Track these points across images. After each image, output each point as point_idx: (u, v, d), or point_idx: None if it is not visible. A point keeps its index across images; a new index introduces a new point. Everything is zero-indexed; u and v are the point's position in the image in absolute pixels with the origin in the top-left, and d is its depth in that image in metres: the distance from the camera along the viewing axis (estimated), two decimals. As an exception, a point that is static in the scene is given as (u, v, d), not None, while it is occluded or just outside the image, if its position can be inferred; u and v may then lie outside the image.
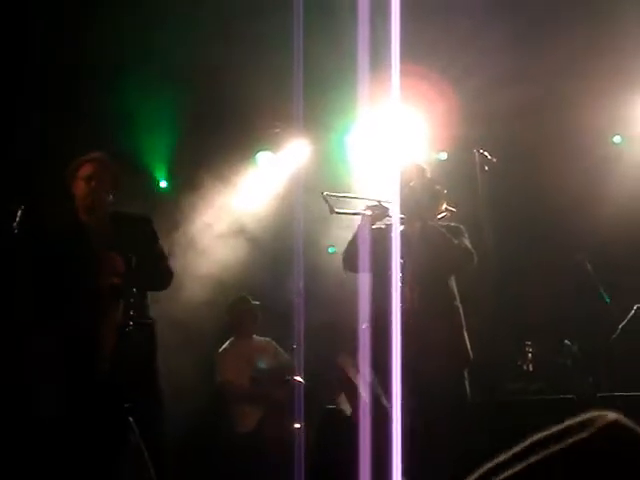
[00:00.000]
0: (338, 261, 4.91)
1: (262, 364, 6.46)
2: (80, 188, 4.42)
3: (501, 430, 4.63)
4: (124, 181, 4.61)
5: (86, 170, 4.44)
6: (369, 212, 4.55)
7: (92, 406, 4.07)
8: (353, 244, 4.60)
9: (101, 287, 4.18)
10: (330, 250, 7.30)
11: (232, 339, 6.57)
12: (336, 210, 4.59)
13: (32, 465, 4.15)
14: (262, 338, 6.64)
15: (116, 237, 4.37)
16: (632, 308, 6.13)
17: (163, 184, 7.70)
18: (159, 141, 7.27)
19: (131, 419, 3.96)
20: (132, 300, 4.15)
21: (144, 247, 4.38)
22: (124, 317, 4.12)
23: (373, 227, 4.53)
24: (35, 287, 4.28)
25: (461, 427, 4.28)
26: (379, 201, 4.57)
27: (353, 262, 4.53)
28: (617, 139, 7.24)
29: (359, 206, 4.71)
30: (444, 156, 7.23)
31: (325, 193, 4.59)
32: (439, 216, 4.71)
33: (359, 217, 4.65)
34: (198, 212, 7.15)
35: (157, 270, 4.46)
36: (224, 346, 6.54)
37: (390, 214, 4.45)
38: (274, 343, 6.61)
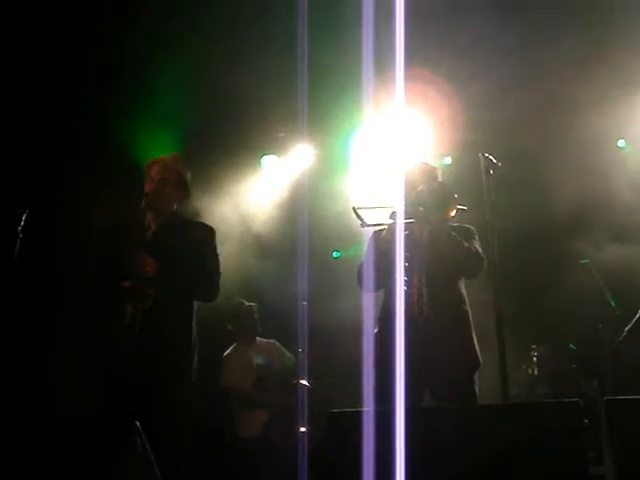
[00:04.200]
0: (344, 265, 4.87)
1: (265, 363, 6.44)
2: (146, 187, 4.46)
3: (507, 433, 4.61)
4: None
5: (154, 170, 4.49)
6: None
7: (100, 409, 4.08)
8: (363, 265, 4.53)
9: (119, 288, 4.18)
10: (335, 254, 7.28)
11: (235, 345, 6.54)
12: (367, 223, 4.47)
13: (40, 467, 4.15)
14: (266, 340, 6.62)
15: (174, 241, 4.35)
16: (638, 311, 6.11)
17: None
18: (163, 145, 7.27)
19: (137, 422, 3.96)
20: (153, 305, 4.13)
21: (200, 256, 4.36)
22: (139, 320, 4.11)
23: (383, 233, 4.47)
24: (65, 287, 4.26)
25: (469, 430, 4.25)
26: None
27: (366, 282, 4.46)
28: (621, 143, 7.23)
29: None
30: (448, 160, 7.20)
31: (355, 206, 4.49)
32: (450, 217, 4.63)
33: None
34: (203, 216, 7.14)
35: (205, 281, 4.40)
36: (228, 351, 6.53)
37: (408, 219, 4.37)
38: (278, 344, 6.59)
